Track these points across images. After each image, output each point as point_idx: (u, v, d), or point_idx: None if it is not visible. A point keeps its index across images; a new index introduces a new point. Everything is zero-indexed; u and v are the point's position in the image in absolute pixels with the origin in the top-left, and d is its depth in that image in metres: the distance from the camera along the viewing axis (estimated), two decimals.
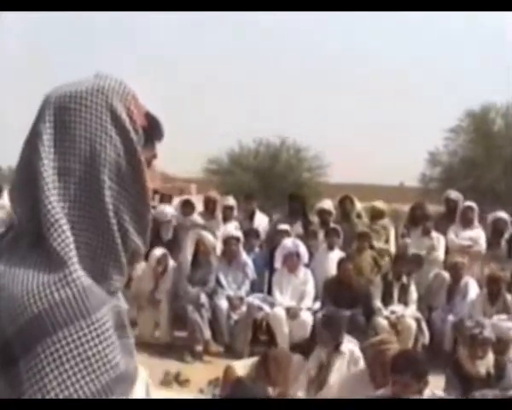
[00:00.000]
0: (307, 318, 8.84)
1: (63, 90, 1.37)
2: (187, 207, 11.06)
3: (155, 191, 2.00)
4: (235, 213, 11.12)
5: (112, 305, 1.31)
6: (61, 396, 1.18)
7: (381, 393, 4.71)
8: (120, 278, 1.39)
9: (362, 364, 5.77)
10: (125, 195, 1.36)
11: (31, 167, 1.32)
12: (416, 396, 4.41)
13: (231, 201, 11.21)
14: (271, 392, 5.14)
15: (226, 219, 10.86)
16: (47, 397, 1.18)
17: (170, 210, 10.76)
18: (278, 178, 20.80)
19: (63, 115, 1.34)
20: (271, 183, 20.55)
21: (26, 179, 1.33)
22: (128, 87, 1.41)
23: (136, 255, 1.44)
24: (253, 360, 5.80)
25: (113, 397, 1.25)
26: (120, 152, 1.35)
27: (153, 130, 1.46)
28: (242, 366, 5.64)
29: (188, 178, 32.58)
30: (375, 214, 10.82)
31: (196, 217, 10.96)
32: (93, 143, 1.32)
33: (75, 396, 1.19)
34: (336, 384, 5.75)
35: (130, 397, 1.32)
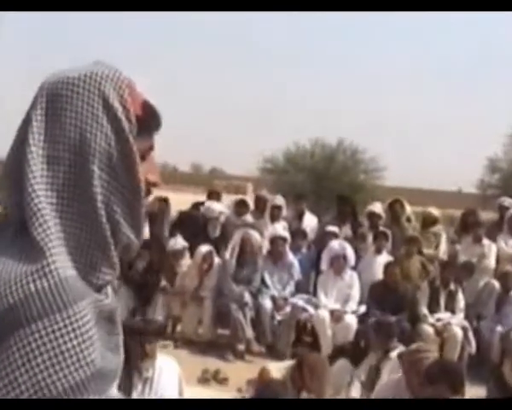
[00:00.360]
0: (351, 321, 8.73)
1: (57, 77, 1.33)
2: (241, 206, 11.08)
3: (154, 184, 1.94)
4: (284, 212, 11.04)
5: (94, 299, 1.26)
6: (31, 391, 1.15)
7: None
8: (110, 271, 1.34)
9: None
10: (117, 186, 1.31)
11: (19, 155, 1.29)
12: None
13: (280, 200, 11.13)
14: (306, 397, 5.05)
15: (274, 218, 10.77)
16: (16, 392, 1.15)
17: (218, 207, 10.74)
18: (333, 180, 20.62)
19: (55, 102, 1.30)
20: (326, 184, 20.39)
21: (15, 167, 1.30)
22: (123, 75, 1.36)
23: (129, 249, 1.39)
24: (290, 363, 5.72)
25: (88, 395, 1.21)
26: (111, 141, 1.30)
27: (150, 120, 1.40)
28: (278, 369, 5.56)
29: (244, 177, 32.74)
30: (428, 221, 10.63)
31: (248, 216, 10.94)
32: (83, 131, 1.28)
33: (46, 392, 1.15)
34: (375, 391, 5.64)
35: (107, 395, 1.28)
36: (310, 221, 11.19)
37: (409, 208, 10.84)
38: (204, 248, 9.25)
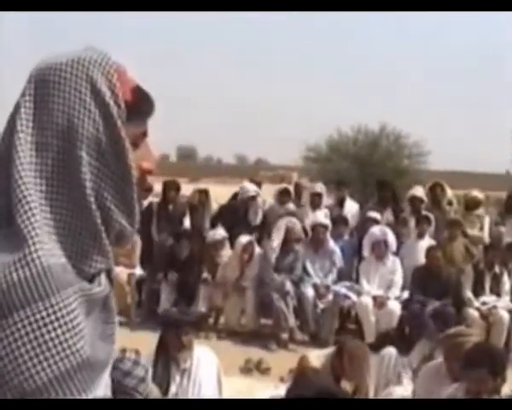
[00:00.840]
0: (394, 307, 8.64)
1: (45, 63, 1.32)
2: (283, 195, 11.08)
3: (149, 172, 1.91)
4: (324, 200, 10.98)
5: (81, 287, 1.23)
6: (15, 382, 1.13)
7: (455, 387, 4.48)
8: (103, 259, 1.32)
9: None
10: (107, 172, 1.29)
11: (8, 143, 1.27)
12: (493, 394, 4.16)
13: (319, 188, 11.08)
14: (347, 386, 4.99)
15: (315, 206, 10.73)
16: (1, 382, 1.13)
17: (252, 187, 10.81)
18: (377, 166, 20.40)
19: (43, 88, 1.29)
20: (370, 170, 20.18)
21: (4, 154, 1.28)
22: (112, 59, 1.33)
23: (123, 236, 1.37)
24: (330, 350, 5.66)
25: (74, 384, 1.18)
26: (99, 127, 1.28)
27: (141, 105, 1.37)
28: (318, 357, 5.51)
29: (289, 166, 32.70)
30: (472, 204, 10.44)
31: (291, 205, 10.94)
32: (71, 117, 1.26)
33: (31, 382, 1.13)
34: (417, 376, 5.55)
35: (96, 385, 1.25)
36: (351, 208, 11.10)
37: (450, 192, 10.68)
38: (244, 239, 9.25)
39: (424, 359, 5.97)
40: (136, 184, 1.35)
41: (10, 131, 1.28)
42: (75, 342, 1.18)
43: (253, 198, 10.50)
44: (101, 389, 1.28)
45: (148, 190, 1.48)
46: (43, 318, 1.15)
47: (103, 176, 1.28)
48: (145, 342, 4.49)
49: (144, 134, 1.40)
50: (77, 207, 1.26)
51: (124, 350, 4.12)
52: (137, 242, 9.75)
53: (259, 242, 9.71)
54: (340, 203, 11.16)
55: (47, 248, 1.18)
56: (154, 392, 4.43)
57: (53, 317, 1.15)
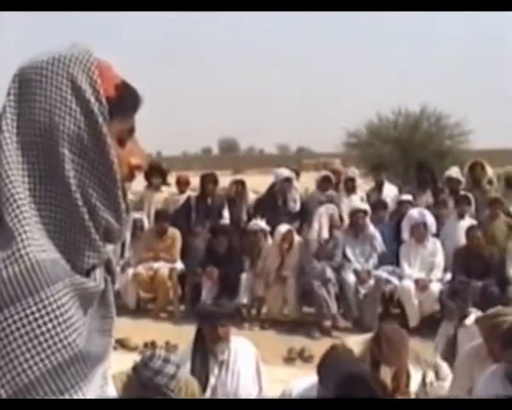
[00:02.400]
0: (437, 289, 8.54)
1: (28, 62, 1.34)
2: (325, 182, 11.08)
3: (137, 167, 1.90)
4: (358, 184, 10.95)
5: (72, 282, 1.25)
6: (8, 377, 1.15)
7: (494, 368, 4.42)
8: (95, 254, 1.33)
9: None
10: (90, 169, 1.30)
11: None
12: None
13: (352, 172, 11.07)
14: (386, 372, 4.96)
15: (349, 191, 10.74)
16: None
17: (285, 170, 10.88)
18: (418, 148, 20.14)
19: (26, 87, 1.31)
20: (412, 153, 19.95)
21: None
22: (93, 56, 1.34)
23: (111, 233, 1.38)
24: (369, 336, 5.63)
25: (67, 378, 1.20)
26: (81, 124, 1.29)
27: (126, 101, 1.38)
28: (356, 343, 5.47)
29: (332, 153, 32.53)
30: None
31: (332, 192, 10.93)
32: (52, 115, 1.28)
33: (23, 376, 1.16)
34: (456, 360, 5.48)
35: (90, 378, 1.26)
36: (389, 191, 11.02)
37: (490, 170, 10.51)
38: (283, 228, 9.23)
39: (448, 341, 5.89)
40: (123, 180, 1.36)
41: None
42: (66, 336, 1.19)
43: (288, 180, 10.53)
44: (97, 382, 1.30)
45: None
46: (33, 313, 1.16)
47: (87, 172, 1.30)
48: (188, 335, 4.54)
49: (131, 130, 1.41)
50: (64, 203, 1.28)
51: (153, 345, 4.19)
52: (177, 236, 9.82)
53: (299, 230, 9.67)
54: (379, 187, 11.09)
55: (38, 244, 1.20)
56: (193, 385, 4.46)
57: (43, 311, 1.17)
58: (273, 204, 10.38)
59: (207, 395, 4.80)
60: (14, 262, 1.17)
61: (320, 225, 9.20)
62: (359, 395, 3.29)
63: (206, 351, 4.97)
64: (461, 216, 9.34)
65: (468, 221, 9.18)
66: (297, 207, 10.48)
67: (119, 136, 1.36)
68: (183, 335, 4.37)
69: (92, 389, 1.26)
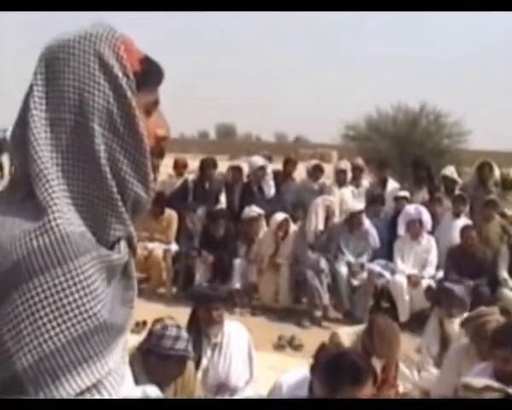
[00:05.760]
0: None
1: (54, 41, 1.37)
2: (316, 171, 11.18)
3: (163, 138, 1.92)
4: (349, 176, 11.08)
5: (99, 254, 1.28)
6: (35, 343, 1.19)
7: (483, 367, 4.49)
8: (121, 227, 1.37)
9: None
10: (120, 142, 1.34)
11: (23, 121, 1.33)
12: None
13: (344, 164, 11.16)
14: (376, 364, 5.01)
15: (340, 183, 10.84)
16: (21, 343, 1.19)
17: (258, 159, 10.98)
18: (416, 145, 20.13)
19: (53, 66, 1.34)
20: (409, 150, 19.94)
21: (19, 133, 1.35)
22: (118, 32, 1.38)
23: (139, 205, 1.42)
24: (361, 328, 5.68)
25: (91, 346, 1.24)
26: (110, 99, 1.33)
27: (150, 74, 1.42)
28: (348, 334, 5.52)
29: (329, 145, 32.53)
30: (509, 183, 10.31)
31: (324, 181, 11.00)
32: (81, 91, 1.31)
33: (50, 343, 1.19)
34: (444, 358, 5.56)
35: (113, 347, 1.30)
36: (392, 188, 11.08)
37: (498, 172, 10.53)
38: (280, 216, 9.26)
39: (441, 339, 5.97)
40: (150, 152, 1.40)
41: (24, 110, 1.34)
42: (92, 307, 1.23)
43: (262, 168, 10.63)
44: (118, 352, 1.33)
45: (161, 155, 1.52)
46: (61, 282, 1.20)
47: (117, 146, 1.34)
48: (180, 317, 4.59)
49: (156, 102, 1.44)
50: (92, 178, 1.31)
51: (159, 319, 4.25)
52: (174, 218, 9.85)
53: (294, 218, 9.70)
54: (383, 183, 11.17)
55: (66, 218, 1.24)
56: (189, 366, 4.52)
57: (70, 282, 1.21)
58: (249, 191, 10.49)
59: (199, 376, 4.85)
60: (44, 233, 1.21)
61: (316, 216, 9.22)
62: (342, 369, 3.35)
63: (199, 333, 5.01)
64: (456, 215, 9.40)
65: (463, 220, 9.24)
66: (271, 192, 10.60)
67: (146, 108, 1.40)
68: (175, 316, 4.41)
69: (114, 359, 1.30)
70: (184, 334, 4.12)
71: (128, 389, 1.46)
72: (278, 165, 12.56)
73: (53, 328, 1.19)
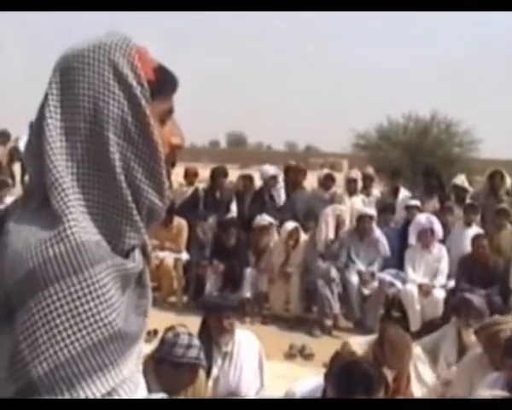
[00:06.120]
0: (440, 295, 8.57)
1: (69, 50, 1.39)
2: (327, 180, 11.14)
3: (178, 147, 1.92)
4: (360, 185, 11.09)
5: (114, 263, 1.29)
6: (50, 351, 1.19)
7: (495, 377, 4.46)
8: (136, 235, 1.38)
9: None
10: (134, 151, 1.35)
11: (38, 130, 1.34)
12: None
13: (355, 173, 11.17)
14: (388, 374, 4.99)
15: (351, 192, 10.84)
16: (37, 351, 1.19)
17: (270, 168, 11.00)
18: (427, 154, 20.12)
19: (68, 75, 1.35)
20: (420, 158, 19.92)
21: (35, 142, 1.35)
22: (132, 42, 1.39)
23: (154, 213, 1.42)
24: (373, 337, 5.66)
25: (106, 355, 1.25)
26: (124, 107, 1.34)
27: (164, 83, 1.43)
28: (359, 344, 5.50)
29: (339, 154, 32.50)
30: None
31: (335, 190, 11.01)
32: (96, 100, 1.33)
33: (65, 351, 1.20)
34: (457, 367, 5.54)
35: (127, 356, 1.31)
36: (404, 197, 11.06)
37: (509, 181, 10.50)
38: (290, 225, 9.26)
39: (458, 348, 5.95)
40: (165, 160, 1.40)
41: (39, 119, 1.35)
42: (107, 315, 1.24)
43: (273, 178, 10.67)
44: (132, 360, 1.34)
45: (173, 164, 1.52)
46: (76, 291, 1.21)
47: (131, 155, 1.34)
48: (191, 326, 4.58)
49: (170, 110, 1.45)
50: (108, 186, 1.32)
51: (171, 328, 4.25)
52: (184, 227, 9.86)
53: (305, 227, 9.70)
54: (395, 192, 11.17)
55: (81, 226, 1.25)
56: (200, 375, 4.51)
57: (86, 290, 1.21)
58: (260, 200, 10.51)
59: (209, 385, 4.84)
60: (60, 241, 1.22)
61: (326, 225, 9.21)
62: (354, 378, 3.35)
63: (210, 342, 5.00)
64: (468, 224, 9.38)
65: (474, 229, 9.21)
66: (281, 201, 10.65)
67: (160, 117, 1.41)
68: (186, 325, 4.42)
69: (128, 367, 1.31)
70: (196, 342, 4.12)
71: (142, 397, 1.46)
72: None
73: (68, 336, 1.20)
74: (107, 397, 1.25)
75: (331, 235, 9.17)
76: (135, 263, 1.38)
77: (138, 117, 1.35)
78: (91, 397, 1.22)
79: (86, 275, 1.22)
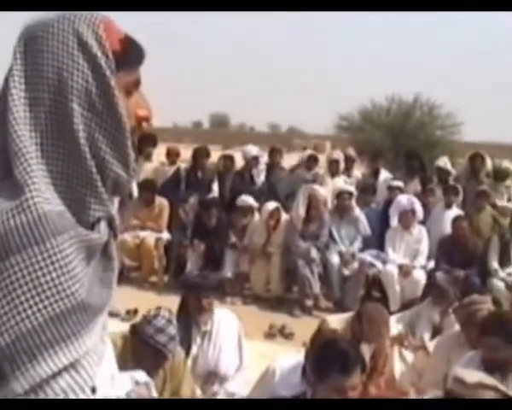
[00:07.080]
0: (420, 276, 8.62)
1: (33, 21, 1.37)
2: (310, 161, 11.20)
3: (145, 119, 1.90)
4: (342, 166, 11.07)
5: (77, 233, 1.28)
6: (12, 322, 1.19)
7: (471, 354, 4.50)
8: (100, 207, 1.37)
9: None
10: (99, 122, 1.33)
11: (3, 101, 1.33)
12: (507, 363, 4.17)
13: (337, 155, 11.19)
14: (366, 349, 5.02)
15: (333, 173, 10.84)
16: None
17: (253, 148, 11.03)
18: (409, 136, 20.15)
19: (32, 45, 1.33)
20: (402, 141, 19.94)
21: (1, 112, 1.33)
22: (98, 13, 1.37)
23: (119, 185, 1.41)
24: (350, 315, 5.69)
25: (68, 326, 1.24)
26: (89, 78, 1.32)
27: (131, 54, 1.41)
28: (337, 321, 5.53)
29: (322, 135, 32.51)
30: (501, 174, 10.37)
31: (319, 171, 11.02)
32: (60, 70, 1.31)
33: (26, 322, 1.19)
34: (433, 345, 5.57)
35: (91, 327, 1.30)
36: (385, 178, 11.08)
37: (490, 163, 10.57)
38: (270, 205, 9.25)
39: (434, 329, 5.98)
40: (131, 132, 1.39)
41: (4, 90, 1.33)
42: (69, 286, 1.23)
43: (255, 158, 10.71)
44: (96, 332, 1.33)
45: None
46: (38, 261, 1.20)
47: (96, 126, 1.33)
48: (171, 305, 4.59)
49: (137, 82, 1.43)
50: (72, 157, 1.31)
51: (158, 308, 4.24)
52: (165, 206, 9.82)
53: (286, 207, 9.68)
54: (375, 174, 11.20)
55: (44, 197, 1.24)
56: (179, 356, 4.52)
57: (48, 261, 1.21)
58: (241, 181, 10.52)
59: (188, 363, 4.84)
60: (21, 212, 1.21)
61: (302, 205, 9.21)
62: (331, 357, 3.38)
63: (189, 321, 5.01)
64: (448, 206, 9.42)
65: (455, 211, 9.26)
66: (260, 182, 10.70)
67: (126, 88, 1.39)
68: (166, 304, 4.42)
69: (92, 339, 1.30)
70: (171, 330, 4.07)
71: (109, 369, 1.45)
72: None
73: (30, 307, 1.19)
74: (71, 370, 1.24)
75: (301, 213, 9.13)
76: (100, 234, 1.36)
77: (103, 88, 1.33)
78: (54, 368, 1.21)
79: (48, 245, 1.21)
